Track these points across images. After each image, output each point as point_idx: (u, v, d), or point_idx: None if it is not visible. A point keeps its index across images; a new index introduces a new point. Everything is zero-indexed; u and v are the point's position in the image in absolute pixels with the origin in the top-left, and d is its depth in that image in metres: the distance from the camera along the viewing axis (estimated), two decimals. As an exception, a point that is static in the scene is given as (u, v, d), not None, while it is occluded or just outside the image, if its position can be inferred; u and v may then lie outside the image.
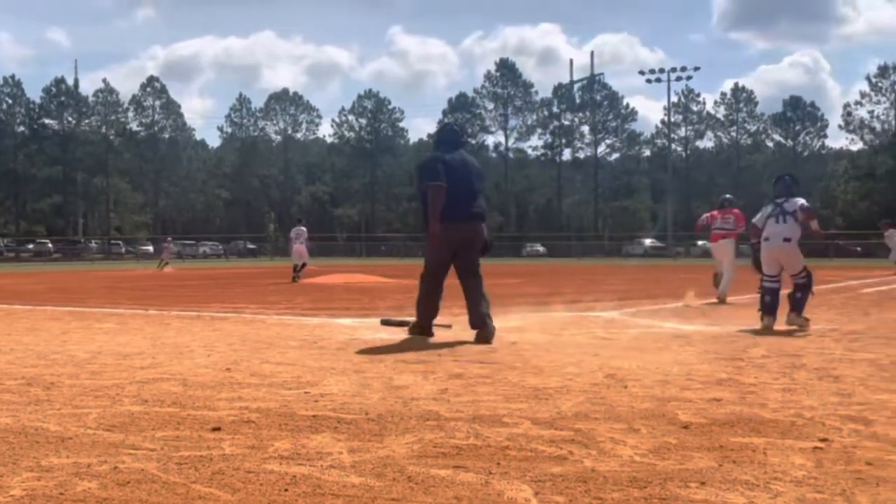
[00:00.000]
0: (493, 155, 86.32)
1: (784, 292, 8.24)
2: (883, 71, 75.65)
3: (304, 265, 21.04)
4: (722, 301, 11.88)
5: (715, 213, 13.27)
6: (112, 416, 3.85)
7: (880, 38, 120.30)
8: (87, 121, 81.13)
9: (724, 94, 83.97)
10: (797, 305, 8.05)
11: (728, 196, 13.88)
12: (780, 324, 7.97)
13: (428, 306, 7.35)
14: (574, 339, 7.01)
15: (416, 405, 4.08)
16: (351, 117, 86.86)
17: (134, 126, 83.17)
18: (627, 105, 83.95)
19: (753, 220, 8.73)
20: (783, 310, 8.10)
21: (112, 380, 4.90)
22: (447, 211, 7.06)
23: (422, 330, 7.32)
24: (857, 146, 77.72)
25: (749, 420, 3.72)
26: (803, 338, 7.19)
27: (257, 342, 6.85)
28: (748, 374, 5.08)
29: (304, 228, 21.96)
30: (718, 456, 3.09)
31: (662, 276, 24.54)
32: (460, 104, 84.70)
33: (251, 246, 72.89)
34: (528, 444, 3.28)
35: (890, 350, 6.33)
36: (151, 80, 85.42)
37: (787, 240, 8.27)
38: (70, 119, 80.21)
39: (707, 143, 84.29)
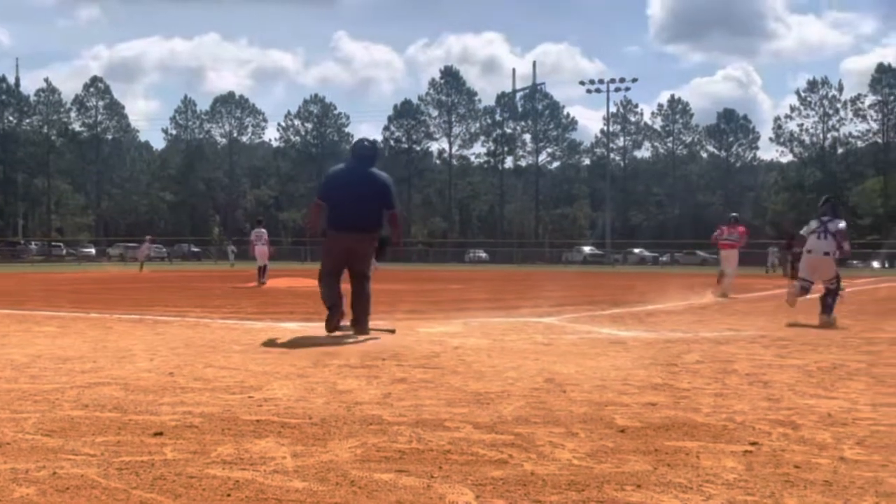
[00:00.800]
0: (438, 161, 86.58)
1: (815, 296, 10.05)
2: (812, 86, 77.89)
3: (265, 267, 20.80)
4: (725, 296, 15.01)
5: (724, 227, 16.35)
6: (51, 420, 3.79)
7: (809, 54, 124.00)
8: (28, 120, 79.19)
9: (660, 106, 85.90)
10: (827, 309, 9.53)
11: (734, 214, 17.09)
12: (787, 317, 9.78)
13: (328, 295, 7.90)
14: (515, 345, 7.10)
15: (360, 409, 4.10)
16: (297, 122, 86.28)
17: (76, 126, 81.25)
18: (568, 115, 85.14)
19: (801, 232, 10.34)
20: (805, 307, 10.11)
21: (52, 384, 4.82)
22: (333, 222, 7.92)
23: (329, 318, 7.80)
24: (787, 158, 79.95)
25: (683, 424, 3.82)
26: (735, 344, 7.39)
27: (201, 346, 6.79)
28: (682, 380, 5.21)
29: (263, 230, 21.71)
30: (653, 459, 3.17)
31: (601, 282, 24.90)
32: (405, 111, 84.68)
33: (195, 249, 71.84)
34: (470, 448, 3.33)
35: (817, 356, 6.54)
36: (95, 80, 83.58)
37: (826, 253, 9.89)
38: (10, 118, 78.19)
39: (644, 152, 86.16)
